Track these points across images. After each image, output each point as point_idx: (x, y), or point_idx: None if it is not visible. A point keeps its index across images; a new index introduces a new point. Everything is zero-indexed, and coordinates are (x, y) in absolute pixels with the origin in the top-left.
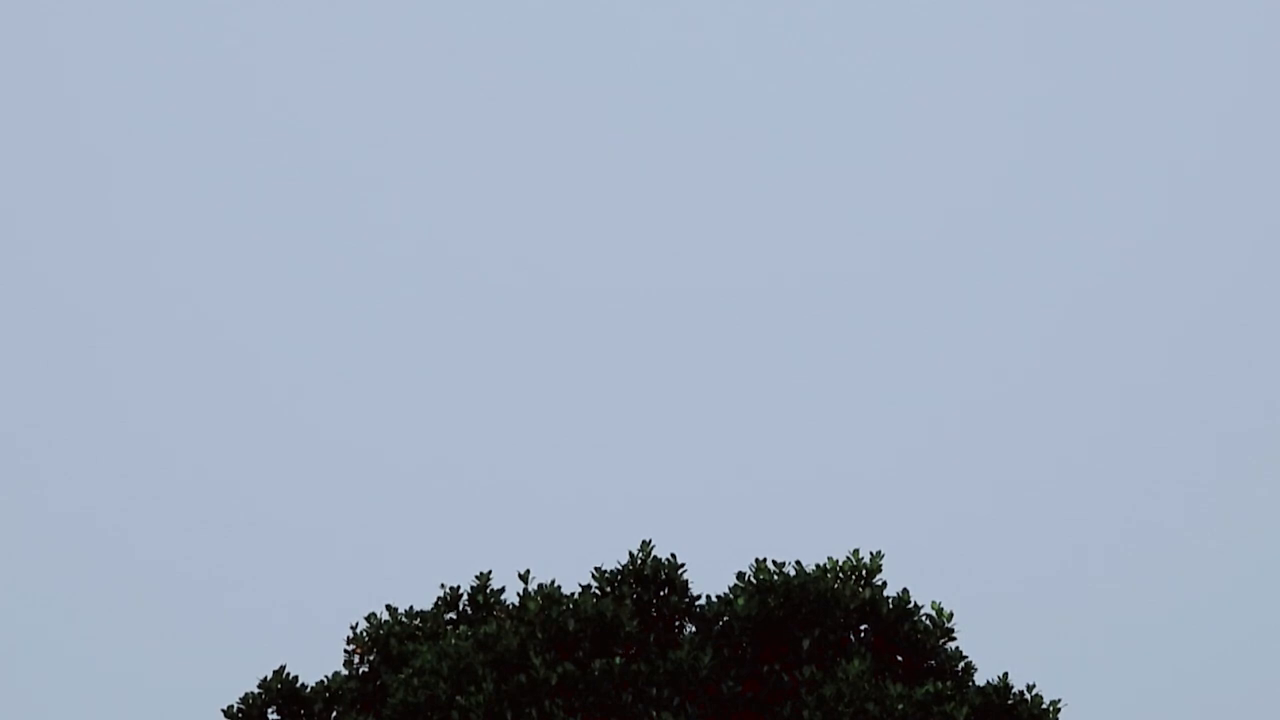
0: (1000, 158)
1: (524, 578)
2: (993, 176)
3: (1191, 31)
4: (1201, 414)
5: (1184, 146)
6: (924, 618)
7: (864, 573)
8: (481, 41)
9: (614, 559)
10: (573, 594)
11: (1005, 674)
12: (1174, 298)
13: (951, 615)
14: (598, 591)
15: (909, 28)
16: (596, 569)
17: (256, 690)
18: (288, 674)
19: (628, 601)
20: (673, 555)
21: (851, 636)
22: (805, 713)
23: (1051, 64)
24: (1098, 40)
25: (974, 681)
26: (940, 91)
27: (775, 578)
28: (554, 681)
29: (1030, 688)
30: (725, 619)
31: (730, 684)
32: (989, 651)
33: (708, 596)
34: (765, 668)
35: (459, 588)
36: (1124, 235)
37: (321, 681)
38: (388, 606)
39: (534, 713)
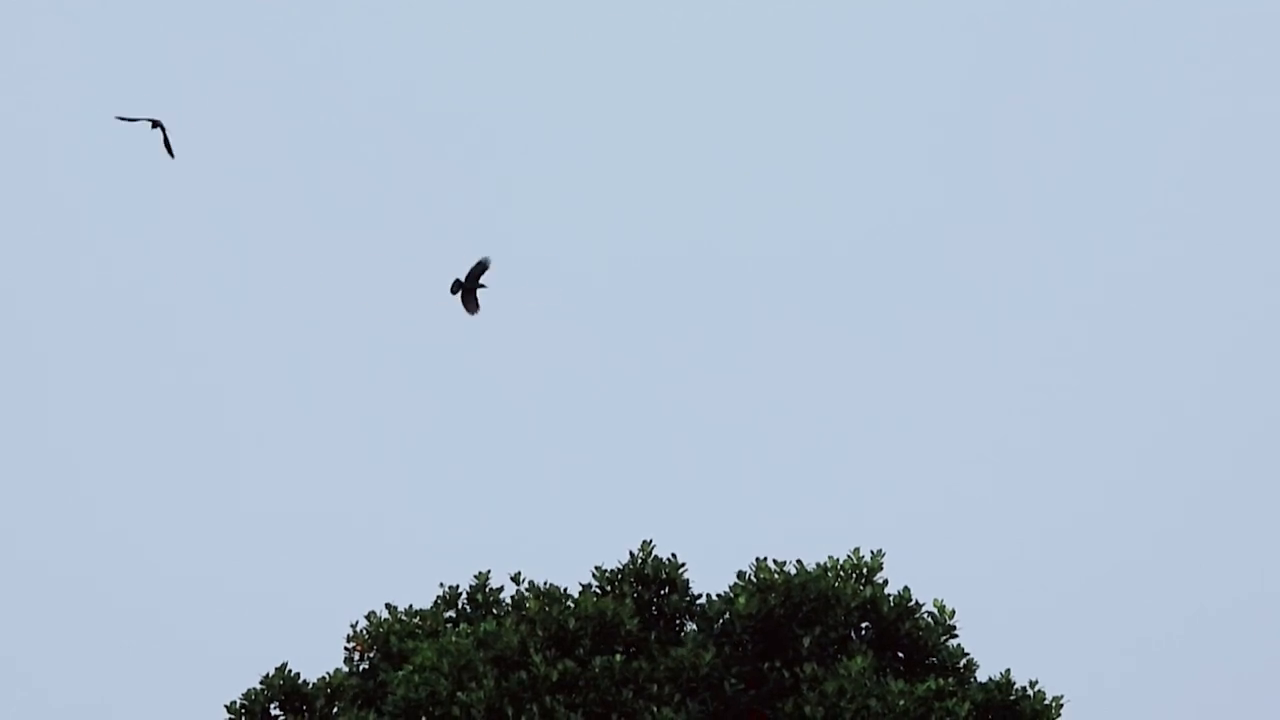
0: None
1: (515, 579)
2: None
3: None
4: (1226, 407)
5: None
6: (925, 615)
7: (865, 571)
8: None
9: (614, 558)
10: (567, 590)
11: (1007, 670)
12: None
13: (954, 613)
14: (598, 590)
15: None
16: (597, 568)
17: (259, 686)
18: (289, 670)
19: (629, 600)
20: (673, 555)
21: (853, 634)
22: (807, 709)
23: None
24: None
25: (975, 678)
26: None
27: (776, 576)
28: (554, 679)
29: (1033, 684)
30: (726, 617)
31: (732, 681)
32: (990, 650)
33: (708, 595)
34: (766, 665)
35: (458, 586)
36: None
37: (323, 678)
38: (387, 605)
39: (535, 709)
